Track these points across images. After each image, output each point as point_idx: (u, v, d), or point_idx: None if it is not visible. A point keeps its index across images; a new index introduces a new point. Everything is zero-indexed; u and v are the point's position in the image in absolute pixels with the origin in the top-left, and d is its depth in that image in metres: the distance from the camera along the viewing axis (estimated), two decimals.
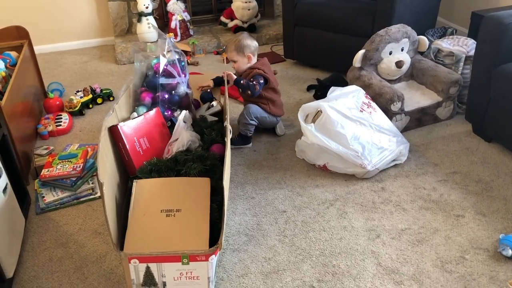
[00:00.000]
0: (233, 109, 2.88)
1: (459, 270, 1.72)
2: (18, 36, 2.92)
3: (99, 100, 3.07)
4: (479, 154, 2.37)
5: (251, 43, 2.46)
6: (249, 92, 2.38)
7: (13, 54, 2.79)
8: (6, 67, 2.63)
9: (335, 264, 1.77)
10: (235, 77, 2.42)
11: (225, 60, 2.48)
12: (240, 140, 2.49)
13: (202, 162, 1.91)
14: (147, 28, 3.75)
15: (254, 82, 2.38)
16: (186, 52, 3.60)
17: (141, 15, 3.76)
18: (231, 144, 2.42)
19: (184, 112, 2.21)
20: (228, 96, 2.96)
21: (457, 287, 1.65)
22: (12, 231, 1.81)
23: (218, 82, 2.66)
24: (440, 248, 1.82)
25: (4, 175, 1.81)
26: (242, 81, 2.39)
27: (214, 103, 2.51)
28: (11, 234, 1.79)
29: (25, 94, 2.65)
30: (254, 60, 2.48)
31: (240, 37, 2.46)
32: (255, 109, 2.46)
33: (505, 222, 1.92)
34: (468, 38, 2.77)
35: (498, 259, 1.75)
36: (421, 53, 2.82)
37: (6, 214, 1.76)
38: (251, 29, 3.98)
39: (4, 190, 1.78)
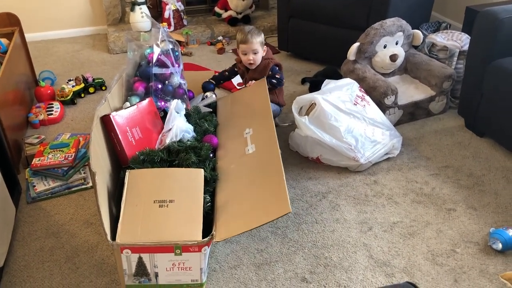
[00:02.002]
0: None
1: (449, 263, 1.74)
2: (9, 23, 2.88)
3: (91, 90, 3.04)
4: (471, 149, 2.39)
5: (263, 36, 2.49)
6: (279, 86, 2.46)
7: (4, 41, 2.75)
8: None
9: (327, 256, 1.78)
10: (264, 82, 2.40)
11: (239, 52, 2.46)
12: None
13: (195, 153, 1.91)
14: (140, 17, 3.71)
15: (277, 75, 2.43)
16: (179, 42, 3.57)
17: (134, 4, 3.71)
18: None
19: (175, 101, 2.19)
20: (223, 88, 2.95)
21: (448, 280, 1.67)
22: (3, 221, 1.80)
23: (220, 78, 2.63)
24: (431, 241, 1.83)
25: None
26: (273, 80, 2.42)
27: (208, 94, 2.50)
28: (1, 224, 1.77)
29: (16, 82, 2.62)
30: (265, 51, 2.49)
31: (257, 29, 2.44)
32: None
33: (496, 216, 1.94)
34: (462, 33, 2.78)
35: (488, 253, 1.77)
36: (415, 47, 2.83)
37: None
38: (246, 20, 3.95)
39: None
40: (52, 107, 2.77)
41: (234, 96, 2.46)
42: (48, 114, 2.70)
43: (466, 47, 2.64)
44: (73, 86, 2.95)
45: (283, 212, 1.54)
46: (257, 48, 2.40)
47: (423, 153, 2.36)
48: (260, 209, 1.62)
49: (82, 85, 2.99)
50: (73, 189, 2.15)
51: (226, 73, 2.63)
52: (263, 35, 2.45)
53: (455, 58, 2.69)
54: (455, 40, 2.74)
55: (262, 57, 2.45)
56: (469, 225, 1.91)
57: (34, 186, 2.12)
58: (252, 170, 1.82)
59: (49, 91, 2.90)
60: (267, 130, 1.95)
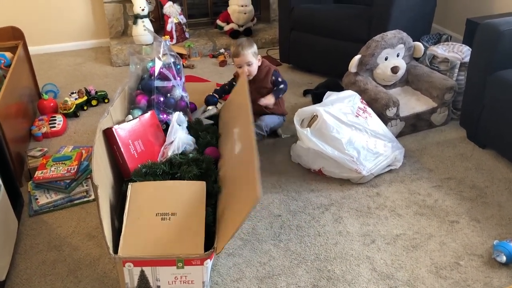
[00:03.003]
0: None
1: (453, 276, 1.72)
2: (13, 37, 2.91)
3: (93, 102, 3.05)
4: (474, 160, 2.38)
5: (255, 46, 2.51)
6: (285, 90, 2.52)
7: (8, 55, 2.77)
8: (0, 68, 2.62)
9: (330, 269, 1.77)
10: (273, 100, 2.46)
11: (234, 67, 2.48)
12: None
13: (197, 166, 1.91)
14: (143, 30, 3.74)
15: (280, 80, 2.48)
16: (181, 55, 3.60)
17: (136, 17, 3.75)
18: None
19: (177, 113, 2.20)
20: (224, 101, 2.96)
21: None
22: (5, 234, 1.79)
23: (221, 92, 2.65)
24: (434, 254, 1.82)
25: None
26: (280, 94, 2.49)
27: (209, 107, 2.51)
28: (3, 237, 1.77)
29: (20, 95, 2.64)
30: (260, 61, 2.52)
31: (248, 40, 2.48)
32: (269, 121, 2.50)
33: (500, 228, 1.93)
34: (463, 45, 2.79)
35: (492, 265, 1.76)
36: (417, 59, 2.84)
37: None
38: (247, 33, 3.98)
39: None
40: (55, 119, 2.78)
41: (226, 103, 2.48)
42: (51, 127, 2.71)
43: (467, 59, 2.65)
44: (75, 99, 2.96)
45: (253, 203, 1.41)
46: (250, 60, 2.43)
47: (425, 165, 2.36)
48: (238, 206, 1.54)
49: (85, 97, 3.00)
50: (76, 202, 2.15)
51: (226, 87, 2.65)
52: (255, 45, 2.47)
53: (456, 70, 2.70)
54: (456, 52, 2.75)
55: (260, 66, 2.47)
56: (473, 238, 1.90)
57: (37, 199, 2.12)
58: (234, 168, 1.81)
59: (52, 104, 2.91)
60: (246, 125, 1.87)
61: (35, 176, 2.17)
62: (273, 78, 2.49)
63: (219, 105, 2.53)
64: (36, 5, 3.81)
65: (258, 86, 2.48)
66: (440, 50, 2.80)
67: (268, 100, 2.45)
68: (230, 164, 1.90)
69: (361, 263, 1.79)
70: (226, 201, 1.72)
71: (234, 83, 2.62)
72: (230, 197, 1.71)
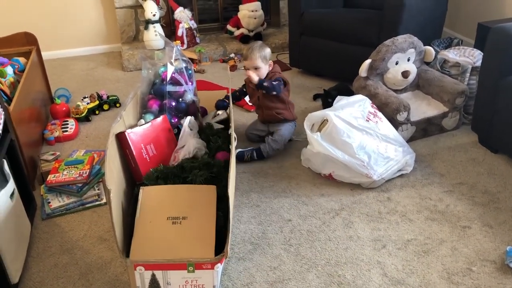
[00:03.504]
0: (239, 118, 2.89)
1: (465, 282, 1.71)
2: (27, 42, 2.95)
3: (105, 107, 3.08)
4: (486, 165, 2.36)
5: (269, 50, 2.49)
6: (274, 93, 2.39)
7: (22, 60, 2.81)
8: (14, 73, 2.65)
9: (341, 274, 1.76)
10: (257, 78, 2.38)
11: (240, 67, 2.45)
12: (256, 157, 2.46)
13: (208, 170, 1.92)
14: (154, 35, 3.77)
15: (277, 83, 2.40)
16: (192, 60, 3.62)
17: (148, 22, 3.78)
18: (247, 161, 2.44)
19: (188, 118, 2.22)
20: (236, 106, 2.97)
21: None
22: (18, 237, 1.82)
23: (232, 99, 2.65)
24: (446, 260, 1.81)
25: (11, 181, 1.82)
26: (265, 83, 2.39)
27: (219, 111, 2.52)
28: (17, 240, 1.79)
29: (33, 100, 2.67)
30: (272, 66, 2.50)
31: (259, 44, 2.46)
32: (285, 133, 2.48)
33: None
34: (475, 49, 2.78)
35: (505, 272, 1.74)
36: (427, 64, 2.83)
37: (12, 219, 1.77)
38: (257, 37, 3.99)
39: (12, 195, 1.79)
40: (67, 124, 2.81)
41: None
42: (63, 131, 2.74)
43: (478, 63, 2.63)
44: (87, 103, 2.99)
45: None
46: (257, 65, 2.42)
47: (436, 170, 2.35)
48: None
49: (97, 102, 3.03)
50: (87, 205, 2.17)
51: (237, 93, 2.66)
52: (266, 49, 2.45)
53: (468, 74, 2.69)
54: (467, 56, 2.74)
55: (269, 71, 2.47)
56: (485, 243, 1.88)
57: (49, 202, 2.14)
58: None
59: (64, 108, 2.95)
60: None
61: (47, 179, 2.19)
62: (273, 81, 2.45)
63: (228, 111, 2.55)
64: (49, 11, 3.87)
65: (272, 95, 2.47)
66: (451, 55, 2.79)
67: (252, 78, 2.37)
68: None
69: (372, 268, 1.78)
70: None
71: (244, 89, 2.63)
72: None
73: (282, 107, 2.50)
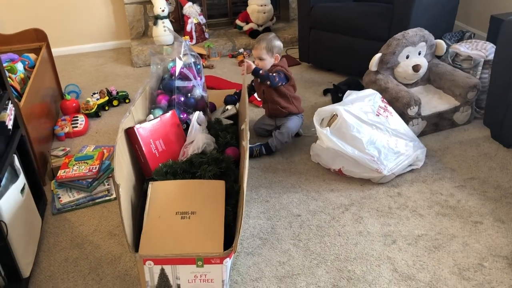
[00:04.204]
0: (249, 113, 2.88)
1: (477, 277, 1.69)
2: (37, 39, 2.97)
3: (115, 102, 3.09)
4: (498, 160, 2.33)
5: (280, 44, 2.47)
6: (268, 82, 2.37)
7: (32, 56, 2.83)
8: (25, 69, 2.67)
9: (350, 269, 1.75)
10: (253, 66, 2.37)
11: (248, 61, 2.42)
12: (265, 152, 2.46)
13: (217, 165, 1.91)
14: (163, 31, 3.77)
15: (274, 74, 2.37)
16: (201, 55, 3.62)
17: (157, 18, 3.78)
18: (256, 156, 2.43)
19: (197, 113, 2.21)
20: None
21: None
22: (29, 231, 1.83)
23: (240, 95, 2.64)
24: (457, 255, 1.79)
25: (22, 176, 1.84)
26: (261, 71, 2.37)
27: (229, 106, 2.52)
28: (28, 234, 1.81)
29: (43, 96, 2.69)
30: (278, 60, 2.48)
31: (270, 36, 2.44)
32: (292, 126, 2.47)
33: None
34: (487, 42, 2.74)
35: None
36: (439, 57, 2.79)
37: (23, 214, 1.78)
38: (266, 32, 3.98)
39: (22, 190, 1.80)
40: (77, 120, 2.82)
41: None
42: (73, 127, 2.76)
43: (491, 57, 2.60)
44: (97, 99, 3.00)
45: None
46: (261, 55, 2.40)
47: (448, 165, 2.32)
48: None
49: (106, 98, 3.04)
50: (97, 200, 2.18)
51: (247, 89, 2.65)
52: (274, 42, 2.42)
53: (480, 68, 2.65)
54: (480, 49, 2.70)
55: (274, 64, 2.45)
56: (497, 239, 1.86)
57: (59, 197, 2.16)
58: None
59: (74, 104, 2.96)
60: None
61: (58, 175, 2.20)
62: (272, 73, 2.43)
63: (237, 106, 2.54)
64: (58, 8, 3.88)
65: (266, 85, 2.46)
66: (463, 48, 2.75)
67: (250, 66, 2.35)
68: None
69: (382, 264, 1.77)
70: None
71: (253, 84, 2.62)
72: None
73: (286, 102, 2.48)
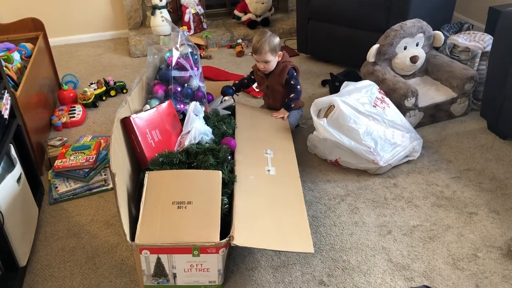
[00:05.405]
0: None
1: (471, 267, 1.70)
2: (34, 28, 2.96)
3: (112, 93, 3.09)
4: (494, 151, 2.34)
5: (279, 39, 2.43)
6: (297, 98, 2.47)
7: (29, 45, 2.82)
8: (21, 58, 2.66)
9: (345, 259, 1.76)
10: (287, 113, 2.44)
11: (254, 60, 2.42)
12: None
13: (214, 155, 1.92)
14: (161, 21, 3.75)
15: (292, 83, 2.43)
16: (199, 46, 3.60)
17: (155, 8, 3.76)
18: None
19: (193, 103, 2.21)
20: (243, 91, 2.95)
21: (469, 285, 1.63)
22: (26, 221, 1.84)
23: (239, 86, 2.64)
24: (452, 245, 1.80)
25: (18, 165, 1.84)
26: (292, 104, 2.44)
27: (226, 97, 2.51)
28: (24, 224, 1.81)
29: (40, 86, 2.68)
30: (281, 57, 2.46)
31: (268, 36, 2.37)
32: (293, 119, 2.47)
33: None
34: (485, 34, 2.73)
35: (511, 258, 1.73)
36: (436, 49, 2.79)
37: (20, 204, 1.79)
38: (265, 23, 3.96)
39: (18, 179, 1.81)
40: (75, 110, 2.82)
41: (255, 111, 2.47)
42: (71, 117, 2.75)
43: (488, 48, 2.59)
44: (95, 89, 3.00)
45: (306, 250, 1.60)
46: (267, 59, 2.37)
47: (444, 156, 2.33)
48: (281, 235, 1.63)
49: (104, 88, 3.04)
50: (94, 190, 2.18)
51: (245, 81, 2.64)
52: (275, 41, 2.38)
53: (477, 59, 2.65)
54: (478, 41, 2.70)
55: (279, 61, 2.44)
56: (492, 229, 1.87)
57: (57, 187, 2.16)
58: (273, 194, 1.83)
59: (72, 94, 2.96)
60: (289, 163, 2.04)
61: (55, 165, 2.21)
62: (288, 76, 2.42)
63: (235, 97, 2.54)
64: None
65: (272, 81, 2.46)
66: (461, 39, 2.74)
67: (281, 114, 2.43)
68: (260, 178, 1.91)
69: (377, 254, 1.78)
70: (251, 208, 1.72)
71: (252, 76, 2.61)
72: (258, 209, 1.73)
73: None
